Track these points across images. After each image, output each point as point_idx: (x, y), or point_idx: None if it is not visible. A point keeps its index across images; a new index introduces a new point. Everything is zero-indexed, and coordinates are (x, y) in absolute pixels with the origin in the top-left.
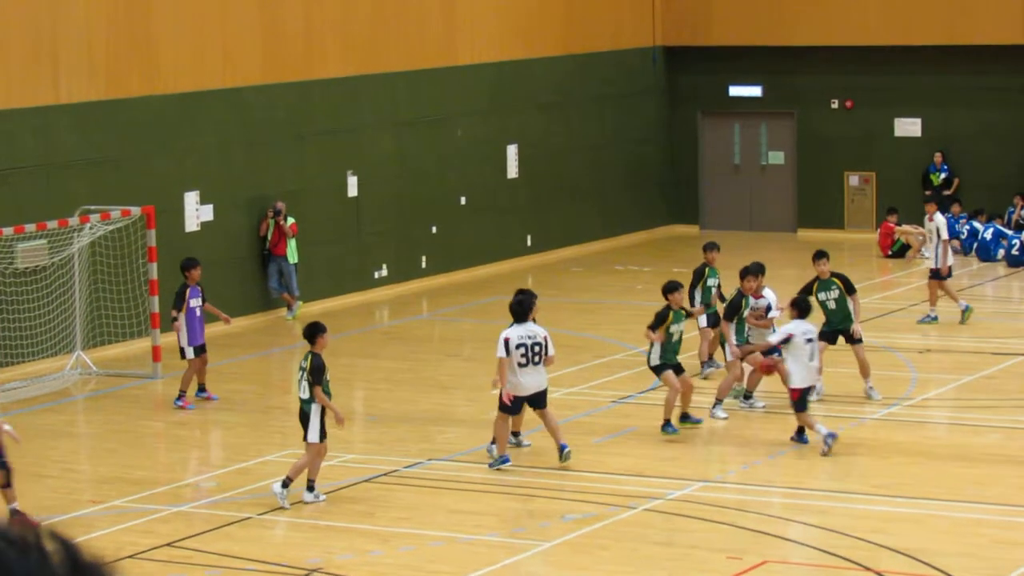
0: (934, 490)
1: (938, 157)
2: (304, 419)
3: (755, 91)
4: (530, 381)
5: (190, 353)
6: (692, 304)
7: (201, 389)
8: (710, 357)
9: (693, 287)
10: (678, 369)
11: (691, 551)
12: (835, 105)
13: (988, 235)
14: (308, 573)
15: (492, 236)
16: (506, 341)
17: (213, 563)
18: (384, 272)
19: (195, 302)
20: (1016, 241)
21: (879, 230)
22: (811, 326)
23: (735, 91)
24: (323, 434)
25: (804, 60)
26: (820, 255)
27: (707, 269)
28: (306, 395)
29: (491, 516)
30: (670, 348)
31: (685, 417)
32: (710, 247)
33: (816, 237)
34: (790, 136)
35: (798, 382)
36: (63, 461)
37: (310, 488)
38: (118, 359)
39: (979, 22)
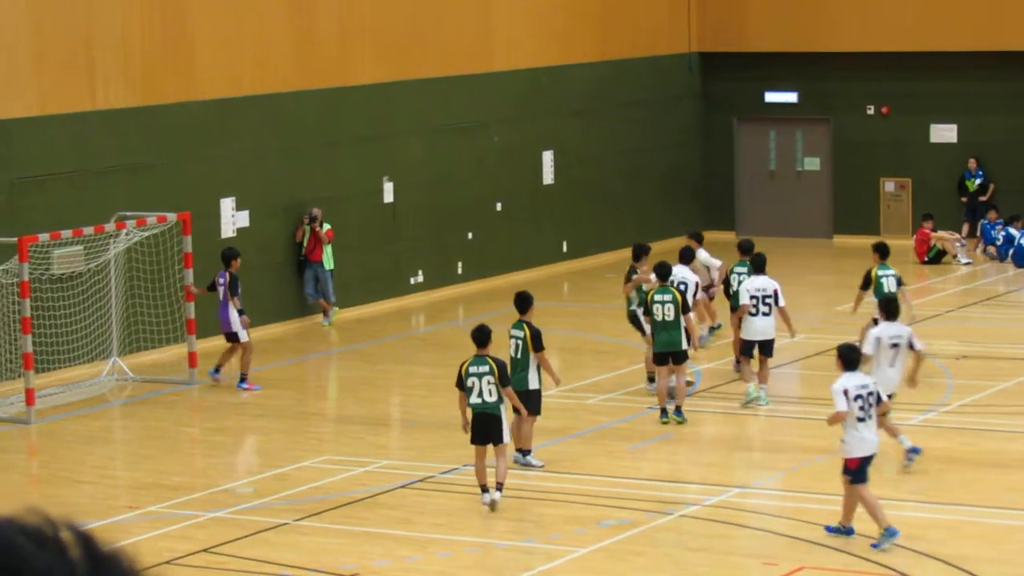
0: (970, 496)
1: (973, 163)
2: (494, 422)
3: (791, 97)
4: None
5: (244, 336)
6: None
7: (216, 370)
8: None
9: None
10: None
11: (727, 557)
12: (871, 111)
13: None
14: None
15: (527, 242)
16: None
17: (249, 569)
18: (420, 278)
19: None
20: None
21: (915, 236)
22: (901, 328)
23: (771, 97)
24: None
25: (840, 66)
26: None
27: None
28: (493, 398)
29: (527, 522)
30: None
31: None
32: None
33: (852, 243)
34: (826, 142)
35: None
36: (100, 467)
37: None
38: (154, 365)
39: (1015, 27)
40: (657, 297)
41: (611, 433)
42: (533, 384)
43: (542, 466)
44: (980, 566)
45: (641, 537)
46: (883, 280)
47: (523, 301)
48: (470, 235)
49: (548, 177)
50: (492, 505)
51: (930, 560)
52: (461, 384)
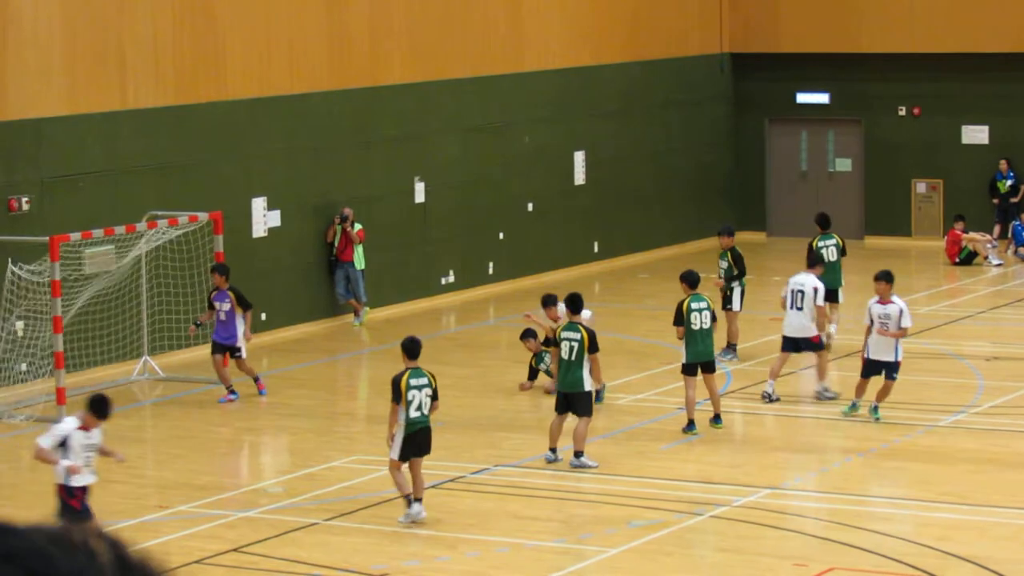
0: (1000, 498)
1: (1003, 164)
2: (430, 434)
3: (822, 98)
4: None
5: (245, 351)
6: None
7: (231, 391)
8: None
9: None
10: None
11: (757, 558)
12: (902, 112)
13: None
14: None
15: (559, 242)
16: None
17: (279, 568)
18: (451, 278)
19: (219, 305)
20: None
21: (946, 237)
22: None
23: (802, 98)
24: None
25: (871, 67)
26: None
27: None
28: (427, 411)
29: (557, 522)
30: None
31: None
32: (725, 232)
33: (884, 244)
34: (857, 143)
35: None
36: (130, 466)
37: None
38: (185, 364)
39: None
40: (564, 334)
41: (642, 433)
42: (587, 386)
43: (596, 466)
44: (1009, 567)
45: (671, 538)
46: (823, 251)
47: (576, 302)
48: (501, 235)
49: (579, 178)
50: (419, 518)
51: (959, 561)
52: (398, 398)
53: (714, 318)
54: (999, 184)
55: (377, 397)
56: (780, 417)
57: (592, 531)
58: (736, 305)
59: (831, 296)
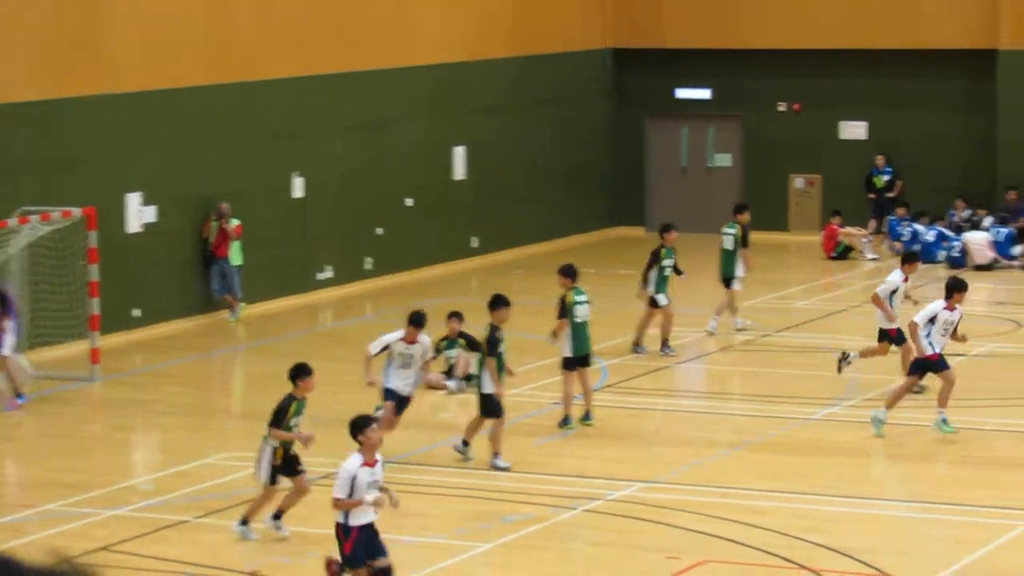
0: (872, 489)
1: (880, 159)
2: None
3: (703, 94)
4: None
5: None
6: (646, 285)
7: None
8: (665, 342)
9: (648, 268)
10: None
11: (631, 551)
12: (782, 108)
13: (931, 237)
14: None
15: (438, 238)
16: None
17: (150, 567)
18: (328, 274)
19: None
20: (957, 243)
21: (823, 232)
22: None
23: (682, 93)
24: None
25: (752, 63)
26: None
27: (663, 250)
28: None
29: (433, 518)
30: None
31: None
32: (668, 228)
33: (762, 239)
34: (737, 138)
35: None
36: None
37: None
38: (57, 361)
39: (925, 26)
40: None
41: (517, 429)
42: (486, 388)
43: (508, 467)
44: (879, 558)
45: (546, 532)
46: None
47: (495, 301)
48: (379, 231)
49: (459, 173)
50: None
51: (831, 552)
52: (281, 423)
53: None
54: (875, 179)
55: (253, 393)
56: (655, 411)
57: (466, 526)
58: (664, 300)
59: (725, 283)
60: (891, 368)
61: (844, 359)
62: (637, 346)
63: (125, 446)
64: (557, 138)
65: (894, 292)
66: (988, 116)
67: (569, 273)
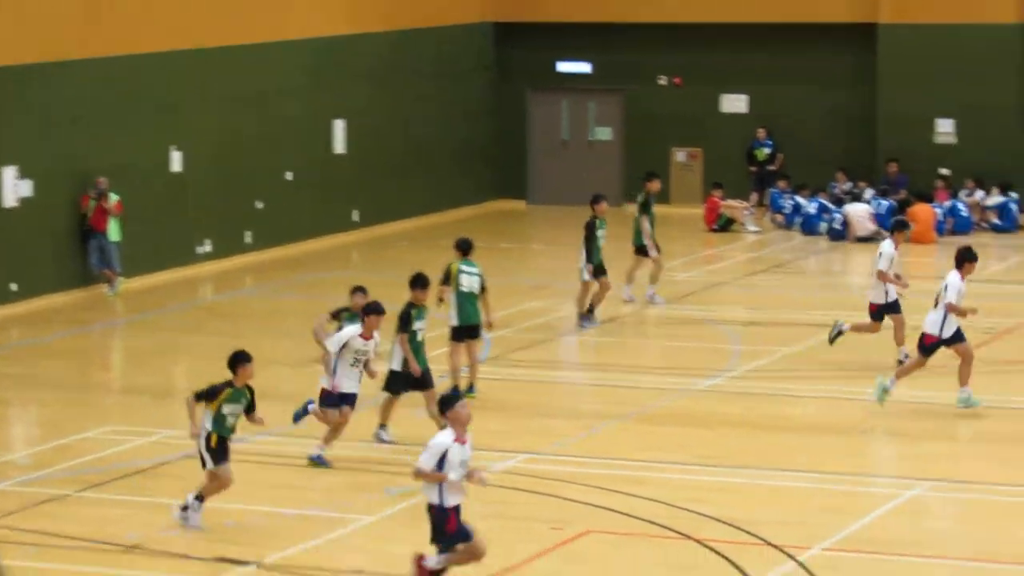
0: (755, 460)
1: (761, 132)
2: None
3: (584, 67)
4: None
5: None
6: (588, 256)
7: None
8: (591, 309)
9: (586, 240)
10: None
11: (515, 523)
12: (663, 81)
13: (812, 209)
14: (128, 549)
15: (318, 211)
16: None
17: (31, 541)
18: (208, 247)
19: None
20: (838, 215)
21: (705, 205)
22: None
23: (563, 67)
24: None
25: (633, 37)
26: None
27: (597, 221)
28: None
29: (315, 491)
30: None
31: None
32: (598, 199)
33: None
34: (618, 112)
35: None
36: None
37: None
38: None
39: (806, 0)
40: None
41: (402, 400)
42: (394, 364)
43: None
44: (765, 528)
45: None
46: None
47: (414, 281)
48: (259, 204)
49: (339, 147)
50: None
51: (716, 523)
52: (222, 429)
53: (483, 287)
54: (757, 152)
55: (132, 367)
56: (540, 383)
57: (348, 499)
58: (587, 275)
59: (638, 252)
60: (779, 339)
61: (836, 330)
62: (584, 317)
63: (3, 420)
64: (438, 111)
65: (892, 262)
66: (869, 89)
67: (460, 247)
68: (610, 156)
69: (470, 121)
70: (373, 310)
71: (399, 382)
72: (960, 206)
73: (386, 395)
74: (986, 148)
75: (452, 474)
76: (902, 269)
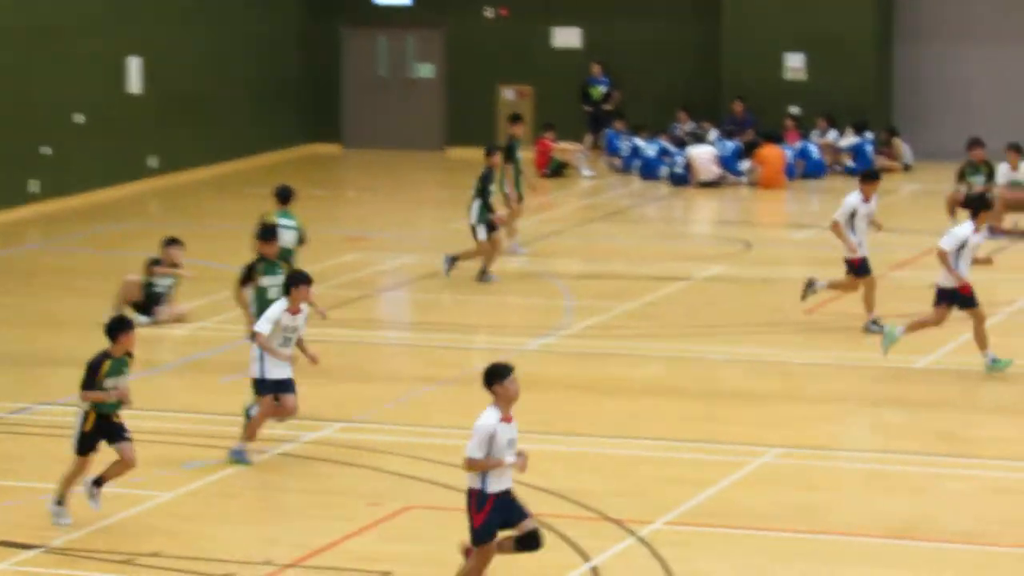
0: (591, 426)
1: (596, 68)
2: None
3: (403, 0)
4: None
5: None
6: (482, 213)
7: None
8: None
9: (480, 194)
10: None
11: (328, 497)
12: (489, 14)
13: (651, 152)
14: None
15: (112, 157)
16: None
17: None
18: None
19: None
20: (680, 159)
21: (535, 148)
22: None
23: (380, 0)
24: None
25: None
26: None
27: (491, 173)
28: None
29: (104, 464)
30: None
31: None
32: (492, 149)
33: (468, 156)
34: (440, 48)
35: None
36: None
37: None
38: None
39: None
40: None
41: (201, 365)
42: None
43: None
44: (603, 500)
45: (233, 478)
46: None
47: (263, 233)
48: (46, 150)
49: (135, 86)
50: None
51: (548, 495)
52: (92, 385)
53: (301, 240)
54: (591, 90)
55: None
56: (356, 344)
57: (142, 474)
58: (482, 234)
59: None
60: (616, 294)
61: (810, 287)
62: (484, 274)
63: None
64: (245, 49)
65: (853, 215)
66: (711, 22)
67: (280, 195)
68: (432, 95)
69: (279, 59)
70: (301, 279)
71: None
72: (812, 148)
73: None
74: (839, 85)
75: (507, 458)
76: (866, 225)
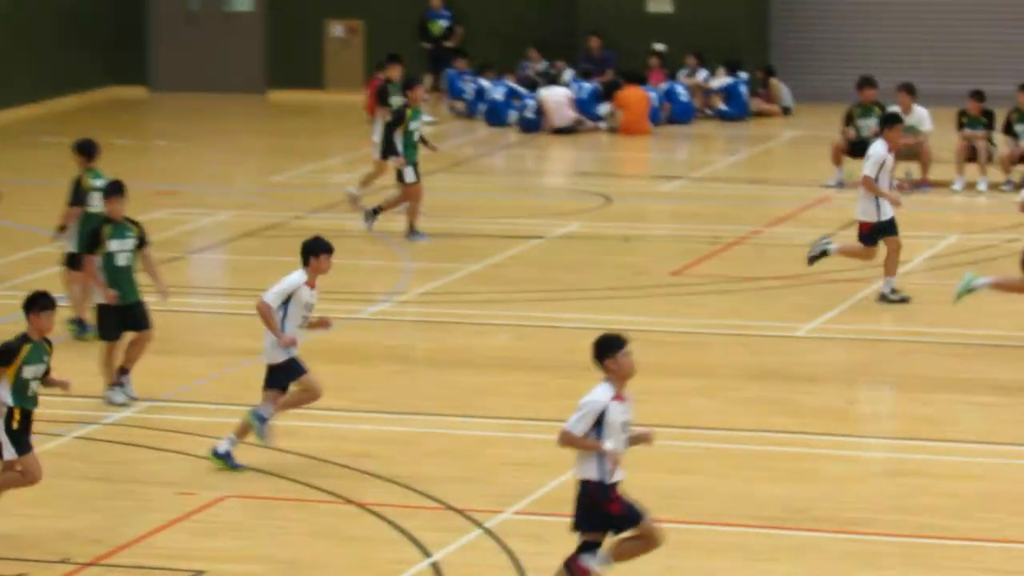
0: (429, 404)
1: (436, 1)
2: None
3: None
4: None
5: None
6: (393, 151)
7: None
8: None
9: (390, 131)
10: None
11: (133, 487)
12: None
13: (499, 95)
14: None
15: None
16: None
17: None
18: None
19: None
20: (531, 102)
21: (367, 90)
22: None
23: None
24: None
25: None
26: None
27: (408, 110)
28: None
29: None
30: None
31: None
32: (411, 83)
33: (291, 99)
34: None
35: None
36: None
37: None
38: None
39: None
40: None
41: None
42: (96, 298)
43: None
44: (443, 487)
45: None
46: None
47: (111, 188)
48: None
49: None
50: None
51: (381, 482)
52: (25, 400)
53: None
54: (431, 24)
55: None
56: (163, 313)
57: None
58: (411, 175)
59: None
60: (460, 255)
61: (819, 249)
62: (413, 232)
63: None
64: None
65: (881, 168)
66: None
67: (86, 150)
68: (251, 31)
69: None
70: (323, 248)
71: (111, 320)
72: (679, 89)
73: (102, 344)
74: (709, 19)
75: (609, 442)
76: (890, 177)
